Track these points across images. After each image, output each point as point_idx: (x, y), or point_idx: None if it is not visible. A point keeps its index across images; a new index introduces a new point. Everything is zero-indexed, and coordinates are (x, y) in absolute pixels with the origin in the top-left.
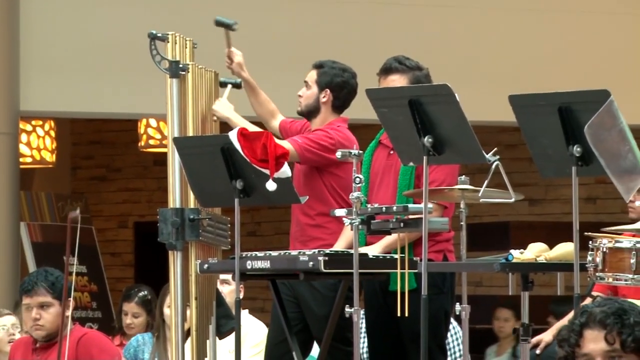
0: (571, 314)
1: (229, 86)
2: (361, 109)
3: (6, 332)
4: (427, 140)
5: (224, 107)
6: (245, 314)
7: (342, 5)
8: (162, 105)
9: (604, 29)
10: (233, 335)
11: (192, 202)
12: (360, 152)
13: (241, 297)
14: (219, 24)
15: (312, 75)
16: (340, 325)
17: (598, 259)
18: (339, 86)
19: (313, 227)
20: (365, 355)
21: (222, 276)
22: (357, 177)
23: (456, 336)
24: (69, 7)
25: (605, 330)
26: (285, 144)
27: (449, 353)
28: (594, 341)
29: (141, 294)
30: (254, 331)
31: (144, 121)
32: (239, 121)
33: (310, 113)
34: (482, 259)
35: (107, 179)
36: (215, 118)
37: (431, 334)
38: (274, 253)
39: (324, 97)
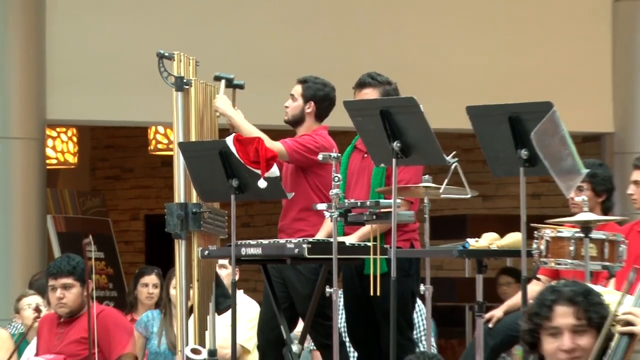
0: (519, 295)
1: (224, 80)
2: (339, 118)
3: (32, 310)
4: (395, 145)
5: (223, 103)
6: (240, 293)
7: (322, 29)
8: (169, 114)
9: (550, 49)
10: (230, 311)
11: (194, 198)
12: (339, 155)
13: (237, 279)
14: (217, 78)
15: (298, 89)
16: (321, 304)
17: (542, 247)
18: (321, 99)
19: (297, 220)
20: (343, 330)
21: (220, 261)
22: (336, 176)
23: (421, 312)
24: (90, 28)
25: (574, 307)
26: (278, 144)
27: (415, 327)
28: (563, 316)
29: (157, 270)
30: (248, 308)
31: (153, 128)
32: (237, 118)
33: (296, 122)
34: (443, 246)
35: (121, 178)
36: (217, 114)
37: (400, 311)
38: (265, 241)
39: (308, 108)
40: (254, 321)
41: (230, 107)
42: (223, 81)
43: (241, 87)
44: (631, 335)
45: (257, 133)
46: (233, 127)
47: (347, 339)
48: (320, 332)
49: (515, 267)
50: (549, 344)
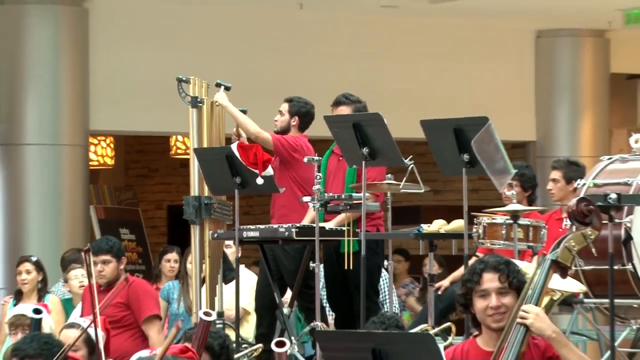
0: (462, 268)
1: (222, 87)
2: (319, 129)
3: (78, 280)
4: (364, 150)
5: (222, 97)
6: (242, 267)
7: (304, 59)
8: (186, 126)
9: (485, 74)
10: (234, 282)
11: (206, 192)
12: (320, 158)
13: (239, 255)
14: (218, 84)
15: (285, 107)
16: (306, 276)
17: (480, 231)
18: (304, 114)
19: (282, 207)
20: (323, 296)
21: (227, 242)
22: (318, 175)
23: (385, 282)
24: (124, 57)
25: (498, 273)
26: (266, 134)
27: (380, 294)
28: (490, 281)
29: (177, 248)
30: (248, 279)
31: (174, 137)
32: (232, 108)
33: (283, 132)
34: (402, 230)
35: (149, 176)
36: (217, 104)
37: (368, 281)
38: (262, 226)
39: (293, 121)
40: (253, 289)
41: (226, 100)
42: (222, 87)
43: (228, 88)
44: (526, 328)
45: (248, 120)
46: (236, 135)
47: (327, 304)
48: (305, 299)
49: (405, 248)
50: (479, 304)
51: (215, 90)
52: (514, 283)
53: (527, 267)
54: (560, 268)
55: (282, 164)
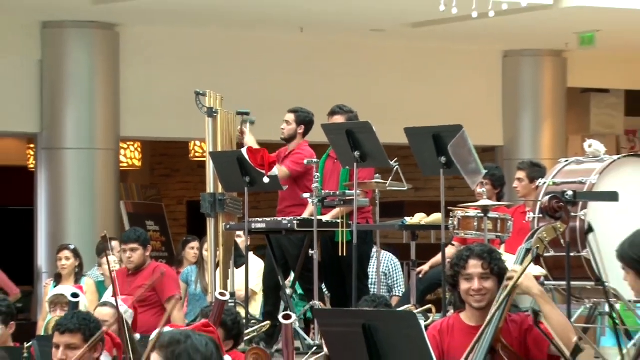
0: (439, 255)
1: (242, 116)
2: (317, 135)
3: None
4: (356, 154)
5: (251, 140)
6: (251, 254)
7: (305, 74)
8: (203, 133)
9: (460, 88)
10: (244, 267)
11: (220, 189)
12: (318, 160)
13: (249, 244)
14: (239, 113)
15: (291, 117)
16: (306, 261)
17: (455, 223)
18: (308, 123)
19: (289, 206)
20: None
21: (238, 232)
22: (316, 175)
23: (374, 267)
24: (150, 71)
25: (482, 260)
26: (285, 170)
27: (369, 277)
28: (474, 267)
29: (197, 238)
30: (256, 264)
31: (193, 142)
32: (251, 141)
33: (290, 139)
34: (388, 222)
35: (171, 176)
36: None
37: (359, 266)
38: (268, 219)
39: (299, 130)
40: (260, 273)
41: (254, 142)
42: (248, 123)
43: (253, 122)
44: (510, 293)
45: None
46: (240, 132)
47: (324, 285)
48: (305, 280)
49: (406, 246)
50: (464, 286)
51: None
52: (495, 270)
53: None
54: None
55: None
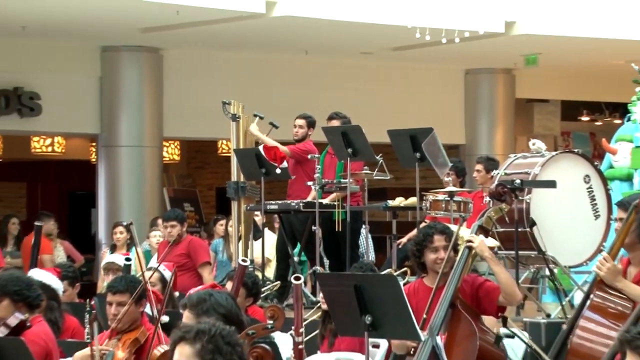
0: (415, 230)
1: (257, 117)
2: (318, 136)
3: (155, 239)
4: (349, 150)
5: (254, 128)
6: (266, 230)
7: (309, 88)
8: (229, 133)
9: (429, 99)
10: (261, 239)
11: (242, 178)
12: (319, 155)
13: (264, 221)
14: (255, 115)
15: (303, 122)
16: (309, 235)
17: (427, 204)
18: (314, 126)
19: (297, 190)
20: (321, 249)
21: (256, 212)
22: (318, 167)
23: (363, 240)
24: (187, 84)
25: (444, 235)
26: (286, 149)
27: (360, 247)
28: (439, 241)
29: (225, 217)
30: (270, 237)
31: (221, 141)
32: (261, 135)
33: (302, 139)
34: (374, 204)
35: (203, 168)
36: (250, 133)
37: (351, 239)
38: (280, 201)
39: (310, 132)
40: (274, 244)
41: (257, 130)
42: (257, 117)
43: (262, 118)
44: (470, 249)
45: (272, 142)
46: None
47: (324, 253)
48: (309, 250)
49: (389, 223)
50: (430, 256)
51: (249, 111)
52: (454, 243)
53: (462, 230)
54: (484, 230)
55: (297, 162)
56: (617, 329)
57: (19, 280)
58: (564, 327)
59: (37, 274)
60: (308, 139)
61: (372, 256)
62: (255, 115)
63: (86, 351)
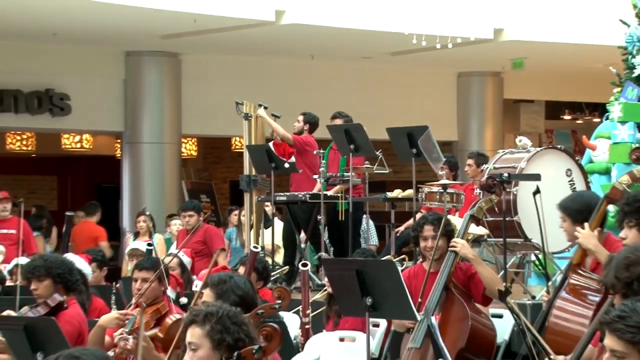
0: (411, 220)
1: (262, 106)
2: (324, 133)
3: (175, 227)
4: (351, 146)
5: (262, 112)
6: (276, 219)
7: (315, 89)
8: (241, 131)
9: (426, 99)
10: (271, 227)
11: (253, 172)
12: (323, 151)
13: (274, 211)
14: (260, 105)
15: (301, 118)
16: (315, 223)
17: (423, 196)
18: (312, 123)
19: (300, 181)
20: (326, 237)
21: (266, 203)
22: (322, 161)
23: (364, 227)
24: (203, 86)
25: (433, 226)
26: (289, 136)
27: (361, 235)
28: (428, 230)
29: (238, 208)
30: (279, 226)
31: (234, 138)
32: (269, 120)
33: (299, 133)
34: (375, 196)
35: (218, 162)
36: (259, 116)
37: (353, 227)
38: (288, 193)
39: (305, 127)
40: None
41: (265, 113)
42: (262, 106)
43: (266, 107)
44: (455, 253)
45: (279, 127)
46: (272, 134)
47: (328, 241)
48: (314, 237)
49: (388, 213)
50: (421, 244)
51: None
52: (443, 232)
53: (453, 219)
54: (475, 219)
55: (298, 153)
56: (590, 308)
57: (62, 264)
58: (544, 307)
59: (69, 259)
60: (306, 133)
61: (374, 241)
62: (259, 105)
63: (112, 314)
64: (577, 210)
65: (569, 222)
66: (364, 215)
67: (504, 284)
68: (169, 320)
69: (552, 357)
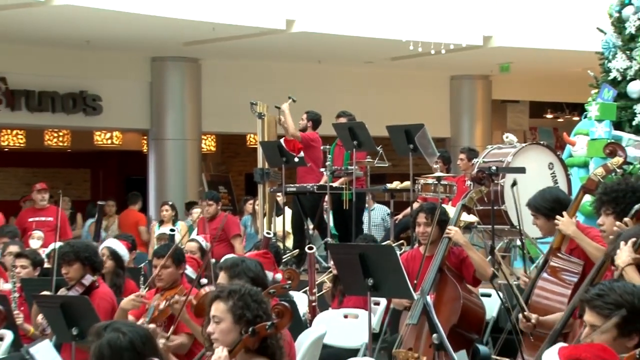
0: (409, 209)
1: (291, 99)
2: (329, 130)
3: (196, 214)
4: (354, 142)
5: (285, 106)
6: (286, 208)
7: (321, 91)
8: (255, 128)
9: (421, 99)
10: (282, 215)
11: (266, 165)
12: (329, 146)
13: (284, 201)
14: (289, 97)
15: (304, 116)
16: (321, 212)
17: (419, 187)
18: (315, 120)
19: (305, 174)
20: (332, 224)
21: (278, 193)
22: (329, 156)
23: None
24: (221, 88)
25: (425, 214)
26: (297, 133)
27: (363, 222)
28: (421, 218)
29: (253, 198)
30: (289, 213)
31: (249, 135)
32: (288, 116)
33: (304, 129)
34: (375, 187)
35: (235, 157)
36: (280, 108)
37: (356, 215)
38: (297, 185)
39: (309, 124)
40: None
41: (287, 108)
42: (290, 99)
43: (294, 101)
44: (449, 239)
45: (291, 127)
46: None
47: (333, 226)
48: (321, 223)
49: (387, 202)
50: (417, 229)
51: (272, 110)
52: (436, 219)
53: (448, 208)
54: (467, 208)
55: (305, 148)
56: (569, 287)
57: (88, 248)
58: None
59: (111, 243)
60: (310, 129)
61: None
62: (289, 98)
63: (129, 297)
64: (550, 207)
65: (543, 219)
66: (366, 205)
67: (492, 269)
68: (202, 291)
69: (525, 312)
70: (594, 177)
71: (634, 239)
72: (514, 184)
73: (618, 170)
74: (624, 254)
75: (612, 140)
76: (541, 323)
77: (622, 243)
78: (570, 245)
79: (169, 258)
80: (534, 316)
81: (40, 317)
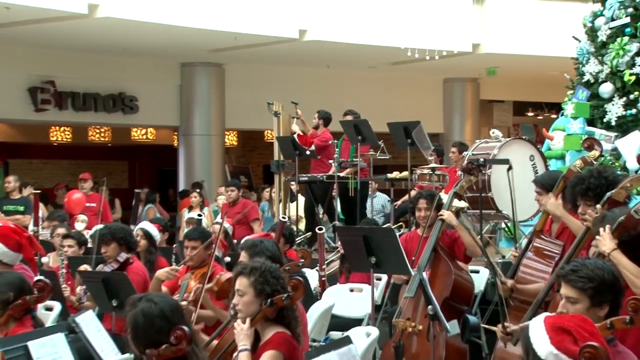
0: (407, 196)
1: (296, 104)
2: (337, 127)
3: (221, 201)
4: (359, 137)
5: (300, 114)
6: (299, 195)
7: (330, 92)
8: (272, 125)
9: (417, 101)
10: (295, 202)
11: (282, 157)
12: (337, 141)
13: (298, 189)
14: (292, 102)
15: (317, 115)
16: (330, 199)
17: (416, 176)
18: (326, 119)
19: (316, 166)
20: (339, 209)
21: (292, 182)
22: (336, 149)
23: (371, 205)
24: (242, 89)
25: (426, 200)
26: (314, 145)
27: (367, 208)
28: (421, 203)
29: (269, 186)
30: (302, 200)
31: (266, 131)
32: (305, 125)
33: (316, 127)
34: (378, 177)
35: (254, 151)
36: (300, 116)
37: (360, 202)
38: (309, 174)
39: (320, 122)
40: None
41: (301, 123)
42: (296, 105)
43: (296, 104)
44: (442, 221)
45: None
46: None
47: (340, 211)
48: (330, 208)
49: (388, 190)
50: (417, 213)
51: (286, 110)
52: (435, 204)
53: (442, 195)
54: (458, 195)
55: (321, 149)
56: (550, 265)
57: (123, 230)
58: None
59: (145, 225)
60: (323, 128)
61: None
62: (292, 102)
63: (165, 269)
64: (555, 185)
65: (546, 195)
66: (370, 192)
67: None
68: (221, 277)
69: (502, 278)
70: (573, 168)
71: (608, 226)
72: (510, 167)
73: (595, 162)
74: (606, 241)
75: (588, 136)
76: (520, 290)
77: (601, 230)
78: (561, 226)
79: (197, 240)
80: (509, 281)
81: (78, 288)
